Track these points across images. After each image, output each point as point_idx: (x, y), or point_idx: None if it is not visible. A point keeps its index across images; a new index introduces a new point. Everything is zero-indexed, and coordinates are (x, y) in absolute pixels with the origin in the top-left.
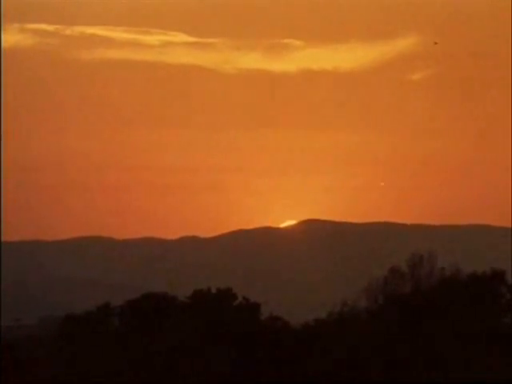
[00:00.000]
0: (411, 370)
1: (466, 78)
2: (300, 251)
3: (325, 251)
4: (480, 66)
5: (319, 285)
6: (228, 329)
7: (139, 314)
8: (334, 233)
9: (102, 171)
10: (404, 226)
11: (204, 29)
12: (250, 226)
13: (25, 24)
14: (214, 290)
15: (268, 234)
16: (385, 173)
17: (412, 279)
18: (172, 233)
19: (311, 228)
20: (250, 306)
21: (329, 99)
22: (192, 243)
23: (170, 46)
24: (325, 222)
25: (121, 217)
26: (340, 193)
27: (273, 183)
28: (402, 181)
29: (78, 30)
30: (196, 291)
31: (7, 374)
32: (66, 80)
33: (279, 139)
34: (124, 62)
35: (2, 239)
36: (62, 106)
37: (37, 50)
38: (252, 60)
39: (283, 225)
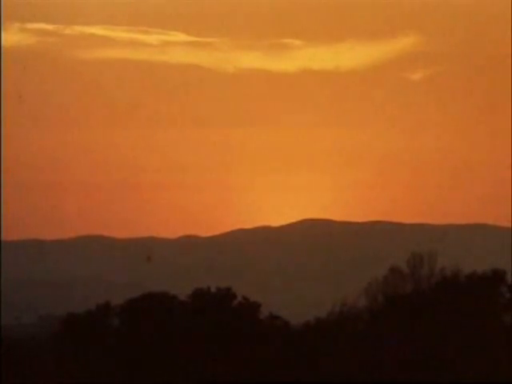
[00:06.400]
0: (411, 370)
1: (466, 77)
2: (299, 250)
3: (324, 250)
4: (480, 65)
5: (318, 284)
6: (228, 328)
7: (139, 313)
8: (333, 232)
9: (102, 171)
10: (404, 225)
11: (204, 28)
12: (249, 226)
13: (25, 24)
14: (213, 289)
15: (267, 234)
16: (384, 172)
17: (412, 279)
18: (171, 232)
19: (310, 227)
20: (249, 305)
21: (329, 99)
22: (191, 242)
23: (169, 46)
24: (324, 221)
25: (120, 216)
26: (339, 192)
27: (272, 182)
28: (402, 180)
29: (78, 29)
30: (196, 290)
31: (7, 373)
32: (65, 80)
33: (279, 139)
34: (124, 61)
35: (2, 239)
36: (61, 106)
37: (37, 50)
38: (252, 60)
39: (282, 224)
